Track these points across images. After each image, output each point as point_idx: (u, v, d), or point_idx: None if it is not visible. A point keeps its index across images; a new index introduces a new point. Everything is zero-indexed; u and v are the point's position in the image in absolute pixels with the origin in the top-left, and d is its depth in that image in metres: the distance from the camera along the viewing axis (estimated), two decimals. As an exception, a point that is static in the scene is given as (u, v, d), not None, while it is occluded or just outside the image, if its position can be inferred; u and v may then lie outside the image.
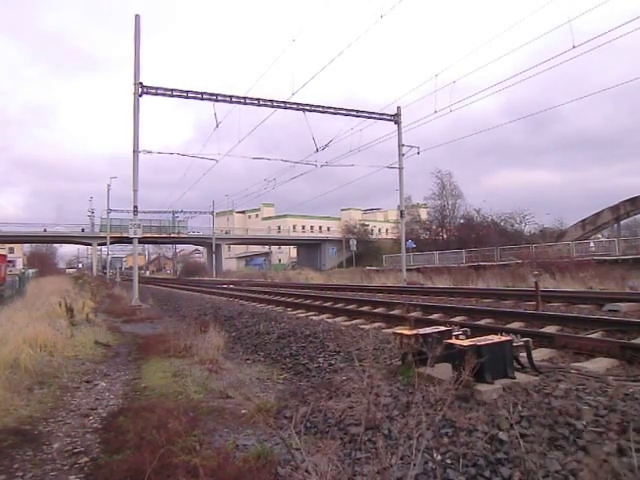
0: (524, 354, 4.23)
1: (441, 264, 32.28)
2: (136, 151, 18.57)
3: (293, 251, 77.31)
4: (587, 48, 13.58)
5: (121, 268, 75.19)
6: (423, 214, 55.72)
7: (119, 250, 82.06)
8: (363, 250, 55.59)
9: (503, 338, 4.03)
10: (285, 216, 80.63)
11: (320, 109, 23.10)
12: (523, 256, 26.83)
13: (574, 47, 13.78)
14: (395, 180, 26.02)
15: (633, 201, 34.58)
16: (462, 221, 49.63)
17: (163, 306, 18.60)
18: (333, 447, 2.66)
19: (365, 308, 11.33)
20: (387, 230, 71.81)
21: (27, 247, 71.22)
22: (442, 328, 4.77)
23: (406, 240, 29.90)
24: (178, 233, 63.54)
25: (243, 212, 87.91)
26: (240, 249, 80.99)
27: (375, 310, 10.69)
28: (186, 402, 4.98)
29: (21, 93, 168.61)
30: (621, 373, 4.61)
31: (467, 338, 4.50)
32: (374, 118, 24.10)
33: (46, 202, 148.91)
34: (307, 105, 22.60)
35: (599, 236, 38.35)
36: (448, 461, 2.91)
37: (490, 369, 3.69)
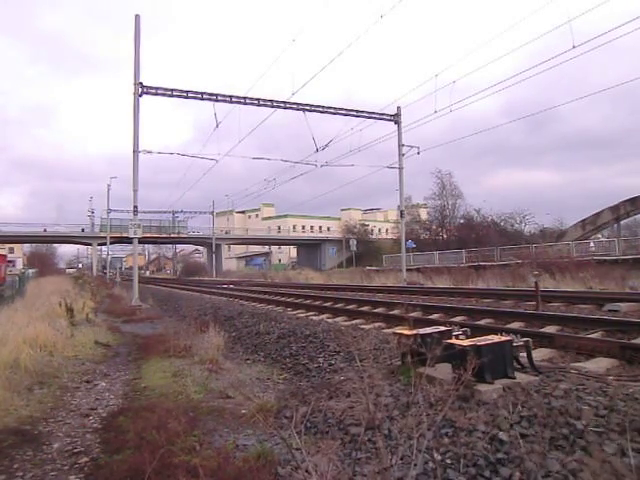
0: (524, 354, 4.23)
1: (441, 264, 32.28)
2: (136, 151, 18.57)
3: (293, 251, 77.30)
4: (587, 48, 13.60)
5: (121, 268, 75.17)
6: (423, 214, 55.71)
7: (119, 250, 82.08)
8: (363, 250, 55.59)
9: (503, 338, 4.03)
10: (285, 216, 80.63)
11: (320, 109, 23.11)
12: (523, 256, 26.82)
13: (574, 47, 13.79)
14: (395, 180, 26.06)
15: (633, 201, 34.58)
16: (462, 221, 49.65)
17: (163, 306, 18.60)
18: (333, 447, 2.66)
19: (365, 308, 11.33)
20: (387, 230, 71.81)
21: (27, 247, 71.29)
22: (442, 328, 4.77)
23: (406, 240, 29.90)
24: (178, 233, 63.54)
25: (243, 212, 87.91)
26: (240, 249, 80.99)
27: (375, 310, 10.69)
28: (186, 402, 4.98)
29: (21, 93, 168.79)
30: (621, 373, 4.61)
31: (467, 338, 4.50)
32: (374, 118, 24.10)
33: (46, 202, 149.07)
34: (307, 105, 22.60)
35: (599, 236, 38.35)
36: (448, 461, 2.91)
37: (490, 369, 3.68)
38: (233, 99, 21.12)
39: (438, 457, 2.92)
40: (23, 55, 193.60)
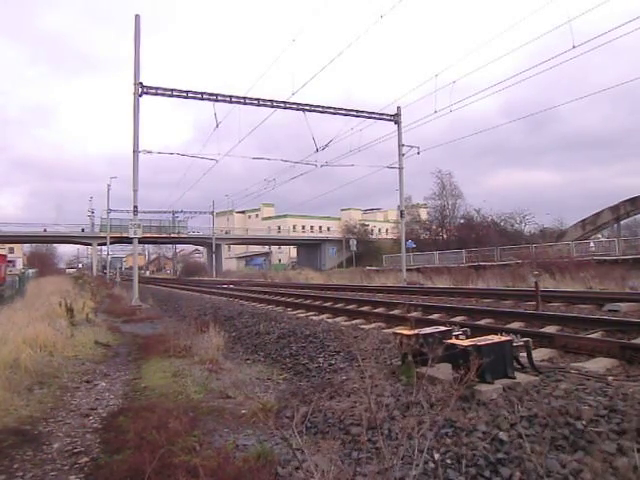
0: (524, 354, 4.23)
1: (441, 264, 32.27)
2: (136, 151, 18.57)
3: (293, 251, 77.30)
4: (587, 48, 13.61)
5: (121, 268, 75.16)
6: (423, 214, 55.72)
7: (119, 250, 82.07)
8: (363, 250, 55.58)
9: (503, 338, 4.03)
10: (285, 216, 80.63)
11: (320, 109, 23.10)
12: (523, 256, 26.82)
13: (574, 47, 13.79)
14: (395, 180, 26.05)
15: (633, 201, 34.58)
16: (462, 221, 49.65)
17: (163, 306, 18.59)
18: (334, 447, 2.66)
19: (365, 308, 11.33)
20: (387, 230, 71.81)
21: (27, 247, 71.28)
22: (442, 328, 4.77)
23: (406, 240, 29.90)
24: (178, 233, 63.54)
25: (243, 212, 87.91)
26: (240, 249, 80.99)
27: (375, 310, 10.68)
28: (186, 402, 4.98)
29: (21, 93, 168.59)
30: (621, 373, 4.61)
31: (467, 338, 4.50)
32: (374, 118, 24.10)
33: (46, 202, 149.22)
34: (307, 105, 22.60)
35: (599, 236, 38.35)
36: (448, 461, 2.91)
37: (490, 369, 3.68)
38: (233, 99, 21.12)
39: (438, 457, 2.92)
40: (23, 55, 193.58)
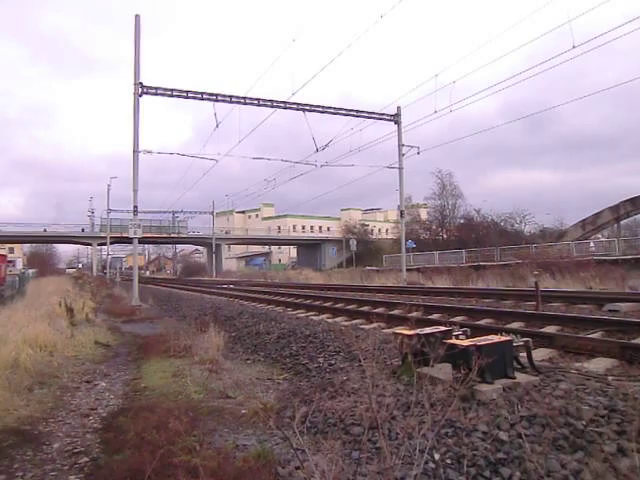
0: (524, 354, 4.23)
1: (441, 264, 32.27)
2: (136, 151, 18.58)
3: (293, 251, 77.29)
4: (587, 48, 13.62)
5: (121, 268, 75.11)
6: (423, 214, 55.71)
7: (119, 250, 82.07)
8: (363, 250, 55.56)
9: (503, 338, 4.03)
10: (285, 216, 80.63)
11: (320, 109, 23.12)
12: (523, 256, 26.82)
13: (574, 47, 13.80)
14: (395, 180, 26.08)
15: (633, 201, 34.57)
16: (462, 221, 49.64)
17: (163, 306, 18.58)
18: (334, 447, 2.66)
19: (365, 308, 11.33)
20: (387, 230, 71.79)
21: (27, 247, 71.31)
22: (442, 328, 4.76)
23: (406, 240, 29.91)
24: (178, 233, 63.52)
25: (243, 212, 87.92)
26: (240, 249, 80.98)
27: (375, 310, 10.68)
28: (186, 402, 4.97)
29: (21, 93, 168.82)
30: (621, 373, 4.61)
31: (467, 338, 4.50)
32: (374, 118, 24.11)
33: (46, 202, 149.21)
34: (307, 105, 22.61)
35: (599, 236, 38.34)
36: (448, 461, 2.91)
37: (490, 369, 3.68)
38: (233, 99, 21.13)
39: (439, 457, 2.92)
40: (23, 55, 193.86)
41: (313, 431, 3.80)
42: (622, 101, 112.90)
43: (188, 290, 26.12)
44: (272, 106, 21.94)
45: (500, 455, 2.87)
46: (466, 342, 3.95)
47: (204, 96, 20.69)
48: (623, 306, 9.07)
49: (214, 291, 22.39)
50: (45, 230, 56.40)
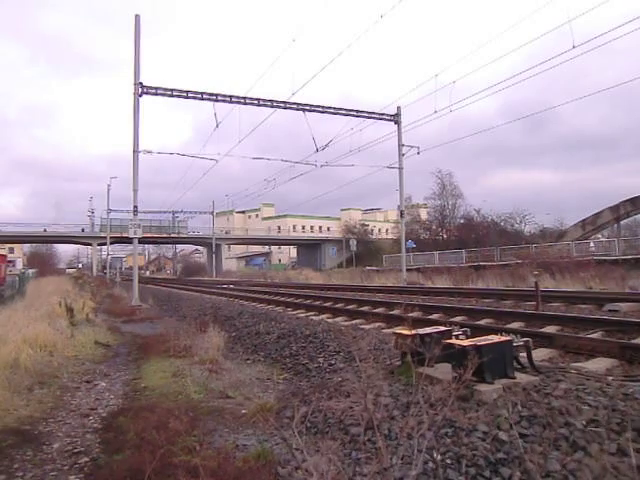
0: (524, 354, 4.22)
1: (441, 264, 32.28)
2: (136, 151, 18.57)
3: (293, 251, 77.29)
4: (587, 48, 13.61)
5: (121, 268, 75.02)
6: (423, 214, 55.70)
7: (119, 250, 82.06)
8: (363, 250, 55.56)
9: (503, 338, 4.02)
10: (285, 216, 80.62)
11: (320, 109, 23.11)
12: (523, 256, 26.84)
13: (574, 47, 13.80)
14: (395, 180, 26.06)
15: (633, 201, 34.58)
16: (462, 221, 49.64)
17: (163, 306, 18.58)
18: (333, 447, 2.66)
19: (365, 308, 11.33)
20: (387, 230, 71.79)
21: (27, 247, 71.25)
22: (442, 328, 4.77)
23: (406, 240, 29.91)
24: (178, 233, 63.52)
25: (243, 212, 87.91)
26: (240, 249, 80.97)
27: (375, 310, 10.68)
28: (186, 402, 4.97)
29: (21, 93, 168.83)
30: (621, 373, 4.61)
31: (467, 338, 4.50)
32: (374, 118, 24.10)
33: (46, 202, 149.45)
34: (307, 105, 22.60)
35: (599, 236, 38.35)
36: (448, 461, 2.91)
37: (490, 369, 3.68)
38: (233, 99, 21.12)
39: (438, 457, 2.91)
40: (23, 55, 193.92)
41: (313, 431, 3.80)
42: (622, 101, 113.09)
43: (188, 290, 26.11)
44: (272, 106, 21.93)
45: (500, 455, 2.87)
46: (466, 342, 3.95)
47: (204, 96, 20.68)
48: (623, 306, 9.07)
49: (214, 291, 22.39)
50: (45, 230, 56.40)
